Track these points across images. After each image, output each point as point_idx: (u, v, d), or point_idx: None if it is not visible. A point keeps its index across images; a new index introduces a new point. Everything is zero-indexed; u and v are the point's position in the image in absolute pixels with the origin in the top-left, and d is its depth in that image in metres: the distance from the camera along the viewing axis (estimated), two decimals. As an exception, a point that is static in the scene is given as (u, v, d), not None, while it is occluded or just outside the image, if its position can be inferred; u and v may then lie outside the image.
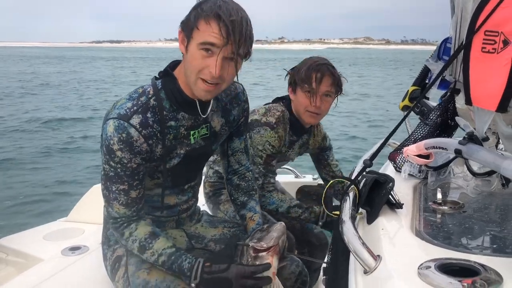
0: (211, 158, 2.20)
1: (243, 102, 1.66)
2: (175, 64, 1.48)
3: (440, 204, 1.28)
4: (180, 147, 1.48)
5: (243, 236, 1.70)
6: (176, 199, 1.63)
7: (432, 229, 1.15)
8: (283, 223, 1.47)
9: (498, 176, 1.40)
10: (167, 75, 1.45)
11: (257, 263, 1.41)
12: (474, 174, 1.42)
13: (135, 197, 1.45)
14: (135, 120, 1.36)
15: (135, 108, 1.37)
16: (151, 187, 1.55)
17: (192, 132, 1.49)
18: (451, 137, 1.58)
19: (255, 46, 1.40)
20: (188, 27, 1.32)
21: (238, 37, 1.28)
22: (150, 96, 1.41)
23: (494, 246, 1.05)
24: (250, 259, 1.43)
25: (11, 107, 14.54)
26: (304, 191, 2.70)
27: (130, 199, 1.44)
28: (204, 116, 1.49)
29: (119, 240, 1.55)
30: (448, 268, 0.89)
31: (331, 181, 1.38)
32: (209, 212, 2.04)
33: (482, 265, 0.89)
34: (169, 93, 1.43)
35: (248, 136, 1.80)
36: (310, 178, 2.87)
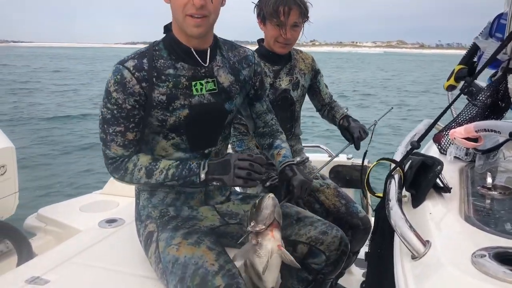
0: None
1: (254, 64, 1.71)
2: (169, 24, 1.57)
3: (489, 189, 1.23)
4: (184, 98, 1.51)
5: None
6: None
7: (482, 215, 1.10)
8: (271, 195, 1.42)
9: (553, 161, 1.34)
10: (167, 30, 1.56)
11: (260, 241, 1.40)
12: (526, 158, 1.36)
13: (132, 139, 1.51)
14: (130, 63, 1.46)
15: (132, 55, 1.50)
16: (170, 150, 1.58)
17: (194, 83, 1.52)
18: (500, 119, 1.51)
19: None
20: None
21: None
22: (149, 46, 1.53)
23: (550, 234, 1.00)
24: (254, 242, 1.41)
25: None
26: (337, 171, 2.66)
27: (127, 141, 1.51)
28: (205, 66, 1.54)
29: (122, 178, 1.56)
30: (504, 257, 0.85)
31: (375, 162, 1.34)
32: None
33: (540, 255, 0.85)
34: (166, 43, 1.53)
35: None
36: (344, 157, 2.82)
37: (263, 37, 2.16)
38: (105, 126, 1.49)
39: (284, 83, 2.17)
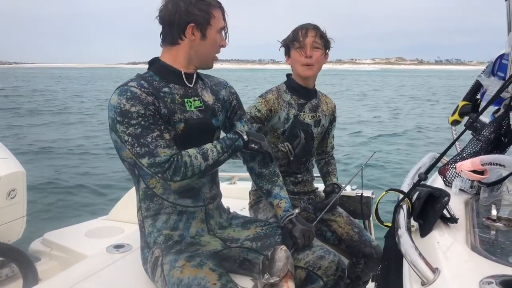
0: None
1: (228, 87, 1.88)
2: (153, 59, 1.71)
3: (494, 220, 1.27)
4: (180, 112, 1.62)
5: (276, 232, 1.77)
6: (196, 180, 1.67)
7: (488, 245, 1.14)
8: (284, 247, 1.48)
9: (555, 195, 1.38)
10: (151, 62, 1.70)
11: None
12: (529, 192, 1.40)
13: (170, 138, 1.57)
14: (132, 83, 1.57)
15: (128, 80, 1.61)
16: None
17: (186, 100, 1.66)
18: (504, 154, 1.56)
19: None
20: (203, 19, 1.60)
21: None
22: (140, 75, 1.66)
23: (553, 265, 1.04)
24: None
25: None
26: (342, 201, 2.70)
27: (168, 141, 1.55)
28: (191, 86, 1.70)
29: (184, 175, 1.57)
30: (510, 285, 0.89)
31: (384, 193, 1.39)
32: None
33: (545, 283, 0.89)
34: (156, 71, 1.67)
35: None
36: (349, 188, 2.85)
37: (291, 72, 2.27)
38: (141, 140, 1.51)
39: (307, 117, 2.25)
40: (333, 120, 2.42)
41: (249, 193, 2.36)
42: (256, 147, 1.72)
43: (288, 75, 2.31)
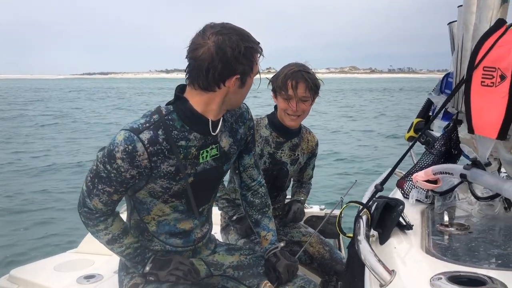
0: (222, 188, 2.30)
1: (248, 120, 1.74)
2: (182, 87, 1.55)
3: (447, 226, 1.36)
4: (191, 167, 1.54)
5: (259, 263, 1.78)
6: (191, 224, 1.69)
7: (441, 248, 1.22)
8: (268, 283, 1.53)
9: (501, 200, 1.49)
10: (178, 98, 1.52)
11: None
12: (478, 198, 1.50)
13: (115, 200, 1.54)
14: (145, 135, 1.42)
15: (147, 124, 1.44)
16: (167, 211, 1.62)
17: (201, 151, 1.54)
18: (454, 165, 1.67)
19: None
20: (248, 69, 1.46)
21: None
22: (163, 114, 1.48)
23: (499, 261, 1.13)
24: None
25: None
26: (311, 221, 2.76)
27: (110, 200, 1.53)
28: (214, 134, 1.55)
29: (87, 226, 1.60)
30: (457, 280, 0.96)
31: (345, 205, 1.46)
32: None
33: (489, 277, 0.97)
34: (181, 114, 1.49)
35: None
36: (317, 208, 2.93)
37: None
38: (96, 180, 1.48)
39: (284, 156, 2.23)
40: (312, 156, 2.39)
41: (220, 216, 2.38)
42: (152, 278, 1.63)
43: (275, 107, 2.24)
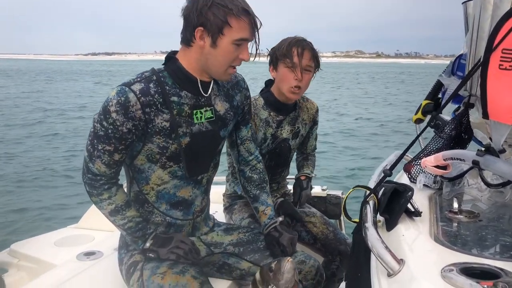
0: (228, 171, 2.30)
1: (244, 89, 1.78)
2: (173, 52, 1.59)
3: (456, 213, 1.32)
4: (186, 125, 1.56)
5: (258, 239, 1.80)
6: (190, 192, 1.69)
7: (450, 236, 1.19)
8: (290, 259, 1.48)
9: (512, 188, 1.45)
10: (169, 59, 1.58)
11: None
12: (488, 185, 1.46)
13: (117, 160, 1.54)
14: (137, 86, 1.46)
15: (138, 78, 1.50)
16: (166, 178, 1.62)
17: (195, 112, 1.57)
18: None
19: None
20: (214, 26, 1.44)
21: (258, 28, 1.51)
22: (154, 72, 1.53)
23: (511, 252, 1.10)
24: None
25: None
26: (313, 201, 2.74)
27: (113, 161, 1.52)
28: (206, 95, 1.60)
29: (90, 195, 1.60)
30: (470, 271, 0.93)
31: (351, 189, 1.43)
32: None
33: (502, 269, 0.94)
34: (171, 72, 1.55)
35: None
36: (319, 188, 2.90)
37: (271, 79, 2.15)
38: (95, 141, 1.50)
39: (285, 133, 2.19)
40: (313, 125, 2.34)
41: (223, 196, 2.39)
42: (152, 255, 1.63)
43: (268, 83, 2.20)
